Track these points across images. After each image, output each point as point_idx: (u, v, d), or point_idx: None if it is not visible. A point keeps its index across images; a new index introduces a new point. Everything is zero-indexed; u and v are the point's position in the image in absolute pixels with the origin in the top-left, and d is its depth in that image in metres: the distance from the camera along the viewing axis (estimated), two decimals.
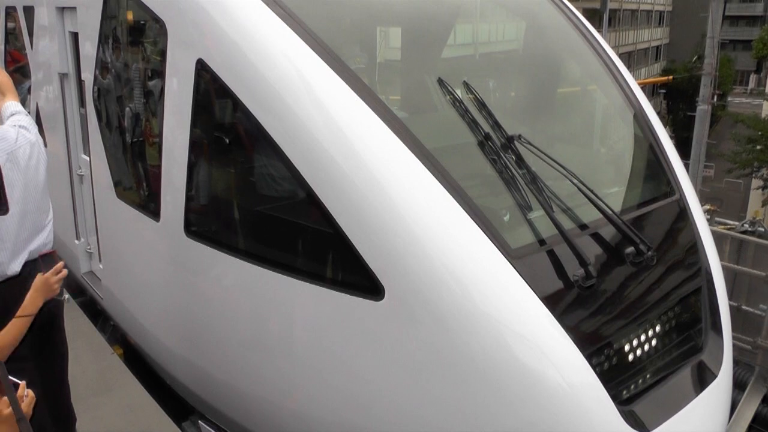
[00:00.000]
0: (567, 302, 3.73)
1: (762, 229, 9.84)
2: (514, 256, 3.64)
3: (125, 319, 6.08)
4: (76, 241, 7.07)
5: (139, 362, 6.07)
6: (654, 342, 4.07)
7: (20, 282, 3.75)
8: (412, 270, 3.51)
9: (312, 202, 3.79)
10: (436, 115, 4.80)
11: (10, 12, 8.37)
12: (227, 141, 4.40)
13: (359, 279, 3.64)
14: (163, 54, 4.74)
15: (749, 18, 75.87)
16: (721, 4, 22.69)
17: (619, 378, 3.74)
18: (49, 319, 3.97)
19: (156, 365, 5.72)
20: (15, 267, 3.82)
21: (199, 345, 4.79)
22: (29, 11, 7.53)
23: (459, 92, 4.53)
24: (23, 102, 8.11)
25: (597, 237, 4.13)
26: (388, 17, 5.25)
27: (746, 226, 10.16)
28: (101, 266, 6.46)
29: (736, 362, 6.26)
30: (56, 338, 4.22)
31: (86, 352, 5.91)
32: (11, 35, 8.57)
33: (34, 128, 4.02)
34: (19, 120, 3.98)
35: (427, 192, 3.67)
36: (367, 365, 3.73)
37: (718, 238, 8.16)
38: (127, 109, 5.46)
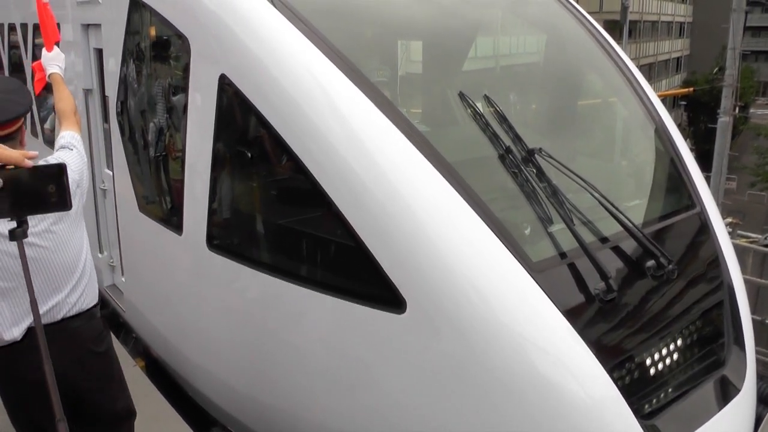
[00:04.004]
0: (588, 316, 3.73)
1: None
2: (535, 269, 3.64)
3: (147, 331, 6.13)
4: (99, 255, 7.14)
5: (160, 374, 6.11)
6: (676, 356, 4.03)
7: (23, 350, 3.42)
8: (433, 283, 3.53)
9: (333, 216, 3.81)
10: (457, 128, 4.82)
11: (37, 28, 8.50)
12: (249, 155, 4.45)
13: (381, 292, 3.65)
14: (186, 69, 4.79)
15: None
16: (743, 14, 22.61)
17: (641, 392, 3.72)
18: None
19: (178, 377, 5.75)
20: (15, 332, 3.44)
21: (220, 357, 4.82)
22: None
23: (480, 105, 4.55)
24: (46, 118, 8.24)
25: (618, 250, 4.12)
26: (410, 31, 5.29)
27: None
28: (123, 279, 6.52)
29: (761, 377, 6.19)
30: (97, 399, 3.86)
31: None
32: (39, 50, 8.68)
33: (72, 165, 3.53)
34: (56, 157, 3.56)
35: (448, 205, 3.68)
36: (389, 378, 3.74)
37: (741, 252, 8.09)
38: (151, 124, 5.52)
